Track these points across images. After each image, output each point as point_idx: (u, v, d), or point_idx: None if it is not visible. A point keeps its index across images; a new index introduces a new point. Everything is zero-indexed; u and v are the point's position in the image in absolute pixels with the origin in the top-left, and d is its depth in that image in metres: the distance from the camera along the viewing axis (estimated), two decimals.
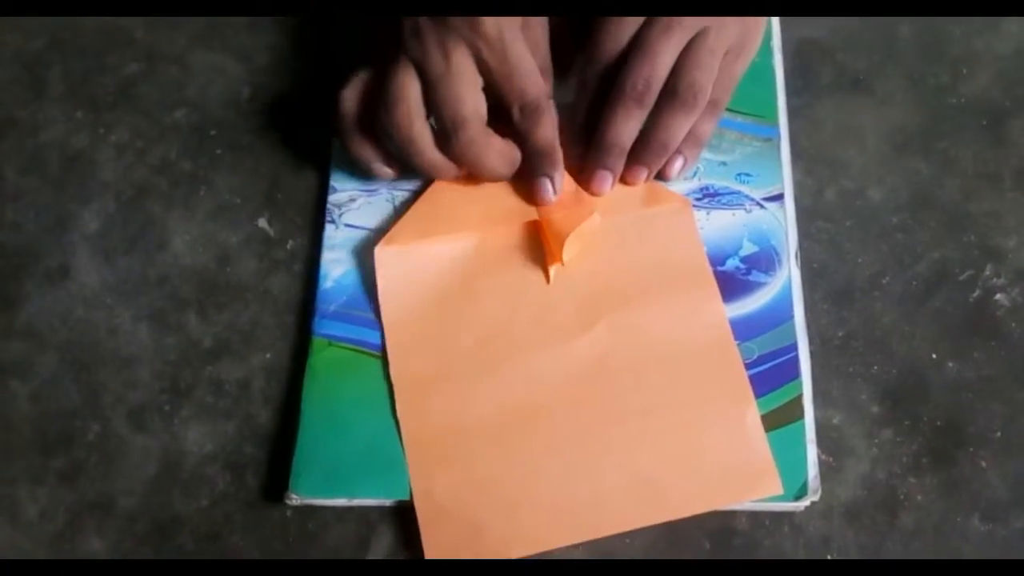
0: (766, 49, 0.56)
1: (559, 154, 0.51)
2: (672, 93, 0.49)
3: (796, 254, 0.51)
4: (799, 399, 0.48)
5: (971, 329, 0.51)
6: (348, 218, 0.54)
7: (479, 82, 0.50)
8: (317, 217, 0.55)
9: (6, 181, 0.57)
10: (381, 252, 0.52)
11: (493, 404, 0.49)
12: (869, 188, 0.54)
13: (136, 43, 0.61)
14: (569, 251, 0.51)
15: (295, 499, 0.48)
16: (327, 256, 0.53)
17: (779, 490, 0.46)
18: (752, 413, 0.47)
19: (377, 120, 0.51)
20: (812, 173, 0.54)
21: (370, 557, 0.48)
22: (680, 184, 0.53)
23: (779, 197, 0.52)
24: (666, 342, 0.49)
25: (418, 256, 0.52)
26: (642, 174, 0.52)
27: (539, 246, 0.52)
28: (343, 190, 0.55)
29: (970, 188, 0.54)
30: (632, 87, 0.49)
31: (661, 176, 0.53)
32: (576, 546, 0.47)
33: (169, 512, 0.49)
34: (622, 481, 0.47)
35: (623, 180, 0.53)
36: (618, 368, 0.49)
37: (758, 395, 0.48)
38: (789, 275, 0.51)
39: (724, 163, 0.53)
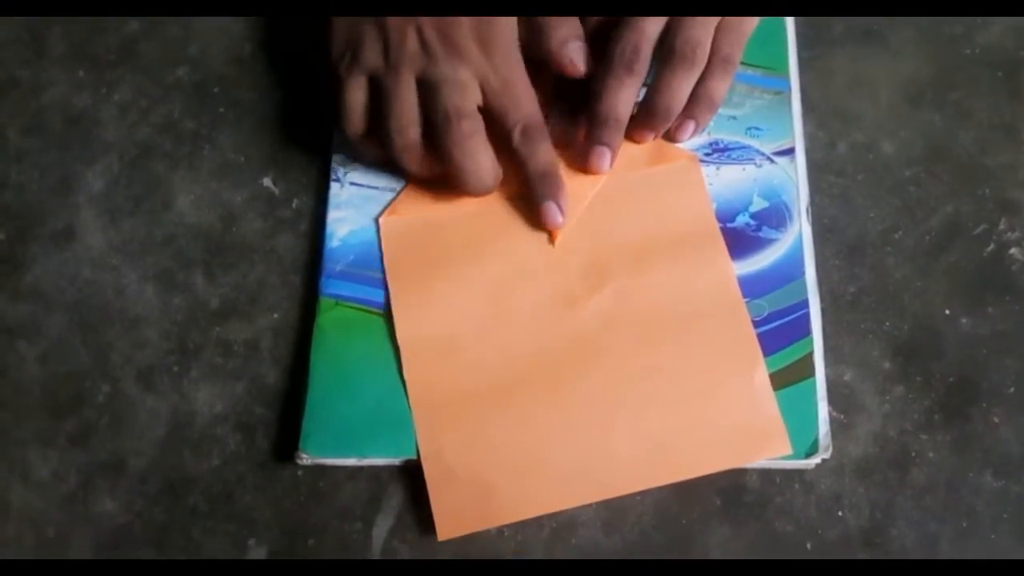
0: None
1: (561, 176, 0.51)
2: (670, 52, 0.49)
3: (807, 209, 0.51)
4: (809, 357, 0.47)
5: (985, 284, 0.50)
6: (353, 176, 0.53)
7: (479, 99, 0.49)
8: (322, 175, 0.54)
9: (9, 142, 0.57)
10: (385, 223, 0.52)
11: (501, 367, 0.48)
12: (881, 141, 0.53)
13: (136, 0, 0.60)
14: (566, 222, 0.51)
15: (305, 458, 0.48)
16: (333, 215, 0.53)
17: (787, 450, 0.46)
18: (761, 373, 0.47)
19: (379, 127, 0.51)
20: (824, 126, 0.54)
21: (380, 516, 0.48)
22: (690, 140, 0.52)
23: (790, 151, 0.52)
24: (674, 302, 0.49)
25: (422, 225, 0.52)
26: (648, 136, 0.52)
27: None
28: (347, 148, 0.54)
29: (985, 140, 0.53)
30: (621, 55, 0.49)
31: (670, 139, 0.52)
32: (587, 504, 0.47)
33: (180, 472, 0.49)
34: (631, 442, 0.47)
35: (629, 138, 0.52)
36: (626, 329, 0.49)
37: (768, 353, 0.48)
38: (800, 231, 0.50)
39: (734, 117, 0.53)
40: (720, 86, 0.50)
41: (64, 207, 0.55)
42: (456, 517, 0.46)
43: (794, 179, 0.51)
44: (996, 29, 0.55)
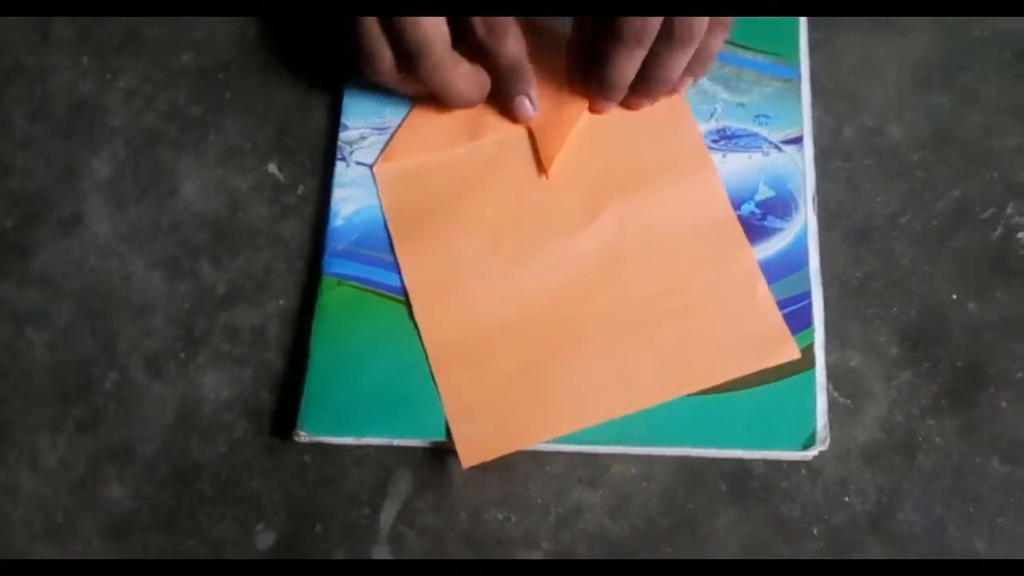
0: None
1: (530, 69, 0.51)
2: (668, 32, 0.48)
3: (813, 199, 0.50)
4: (810, 348, 0.47)
5: (993, 268, 0.50)
6: (359, 156, 0.53)
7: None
8: (327, 161, 0.54)
9: (15, 128, 0.57)
10: (380, 170, 0.53)
11: (509, 301, 0.49)
12: (889, 125, 0.53)
13: None
14: (556, 152, 0.52)
15: (303, 436, 0.48)
16: (337, 194, 0.53)
17: (796, 355, 0.47)
18: (761, 286, 0.48)
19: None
20: (830, 110, 0.53)
21: (388, 502, 0.48)
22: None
23: (798, 140, 0.51)
24: (671, 225, 0.50)
25: (417, 169, 0.52)
26: (644, 103, 0.52)
27: (534, 144, 0.52)
28: (354, 128, 0.54)
29: (993, 123, 0.53)
30: (631, 26, 0.48)
31: (668, 93, 0.52)
32: (594, 488, 0.47)
33: (188, 458, 0.50)
34: (644, 359, 0.48)
35: (624, 104, 0.52)
36: (626, 254, 0.50)
37: None
38: (805, 221, 0.50)
39: (742, 104, 0.52)
40: (716, 43, 0.50)
41: (70, 194, 0.55)
42: (478, 445, 0.47)
43: (801, 168, 0.51)
44: None
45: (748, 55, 0.53)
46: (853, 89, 0.54)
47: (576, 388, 0.47)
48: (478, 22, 0.49)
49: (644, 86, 0.50)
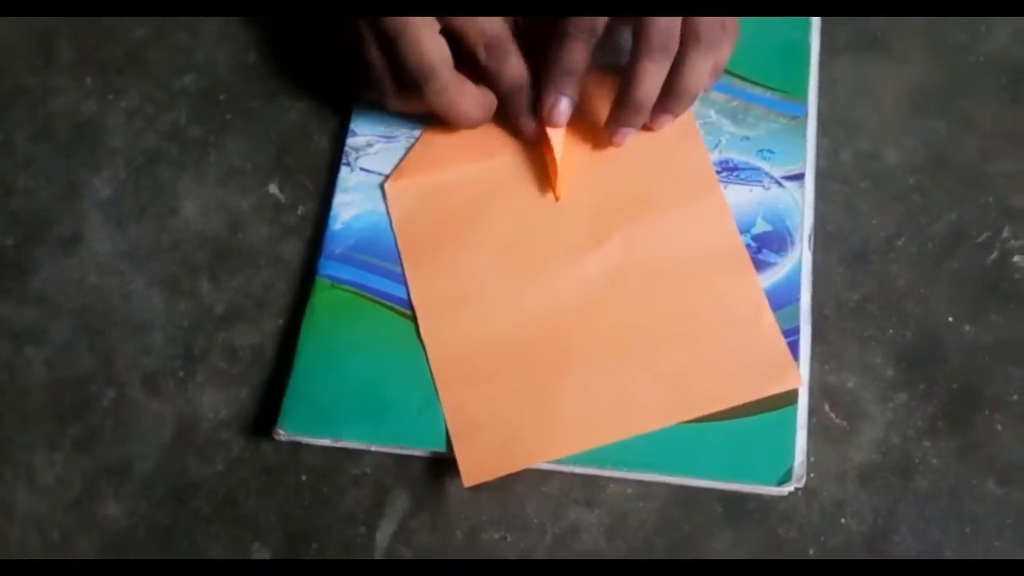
0: (804, 23, 0.55)
1: (531, 87, 0.51)
2: (694, 36, 0.48)
3: (810, 237, 0.50)
4: None
5: (988, 291, 0.50)
6: (364, 162, 0.54)
7: (436, 24, 0.49)
8: (328, 182, 0.54)
9: (17, 148, 0.57)
10: (391, 187, 0.53)
11: (515, 321, 0.49)
12: (885, 149, 0.53)
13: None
14: (567, 175, 0.52)
15: (282, 435, 0.48)
16: (339, 198, 0.53)
17: (797, 383, 0.47)
18: (766, 314, 0.48)
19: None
20: (827, 134, 0.54)
21: (384, 521, 0.48)
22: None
23: (799, 176, 0.52)
24: (678, 250, 0.50)
25: (428, 187, 0.53)
26: (667, 121, 0.52)
27: (545, 166, 0.52)
28: (362, 134, 0.55)
29: (988, 148, 0.53)
30: (658, 37, 0.47)
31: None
32: (591, 508, 0.47)
33: (185, 477, 0.50)
34: (647, 383, 0.48)
35: (647, 128, 0.52)
36: (633, 278, 0.50)
37: None
38: (800, 257, 0.50)
39: (747, 138, 0.53)
40: (728, 52, 0.51)
41: (71, 213, 0.55)
42: (480, 464, 0.47)
43: (800, 205, 0.51)
44: (1001, 37, 0.55)
45: (757, 91, 0.53)
46: (850, 114, 0.54)
47: (579, 410, 0.47)
48: (478, 43, 0.49)
49: (670, 100, 0.50)
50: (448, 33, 0.49)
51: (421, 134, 0.54)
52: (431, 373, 0.49)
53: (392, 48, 0.49)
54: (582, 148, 0.53)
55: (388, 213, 0.52)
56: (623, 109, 0.50)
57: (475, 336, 0.49)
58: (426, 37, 0.48)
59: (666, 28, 0.47)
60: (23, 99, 0.58)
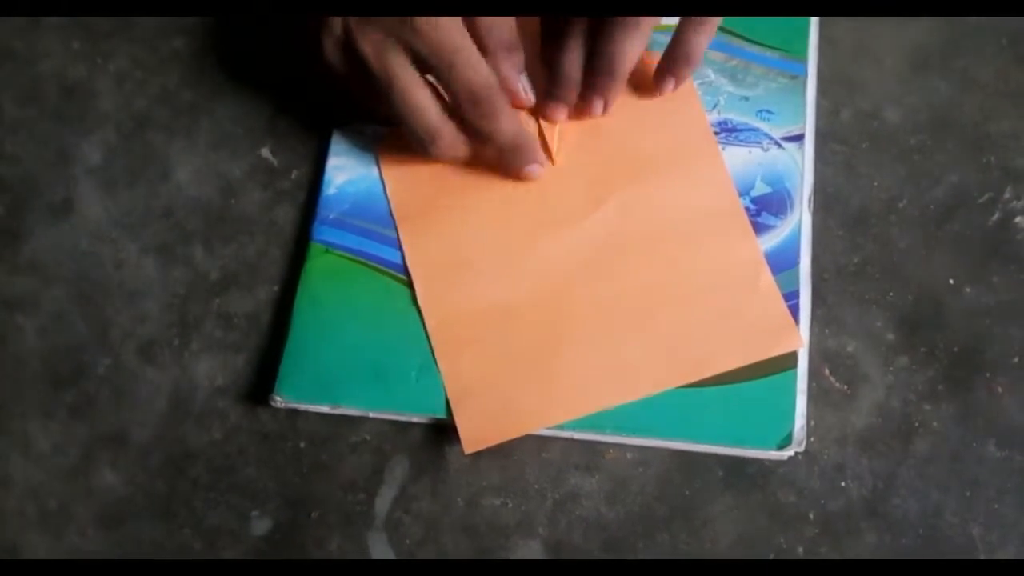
0: None
1: (532, 141, 0.50)
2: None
3: (810, 199, 0.50)
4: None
5: (990, 253, 0.50)
6: (356, 126, 0.53)
7: (421, 82, 0.47)
8: (320, 146, 0.54)
9: (4, 113, 0.56)
10: (384, 153, 0.52)
11: (512, 286, 0.49)
12: (886, 109, 0.53)
13: None
14: (563, 140, 0.52)
15: (279, 402, 0.48)
16: (332, 162, 0.53)
17: (798, 345, 0.47)
18: (765, 275, 0.48)
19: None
20: (827, 94, 0.53)
21: (384, 488, 0.48)
22: None
23: (799, 137, 0.51)
24: (675, 213, 0.50)
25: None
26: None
27: (540, 131, 0.52)
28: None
29: (990, 108, 0.52)
30: None
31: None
32: (591, 474, 0.47)
33: (182, 445, 0.49)
34: (646, 347, 0.47)
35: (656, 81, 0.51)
36: (631, 242, 0.50)
37: None
38: (800, 220, 0.49)
39: (746, 98, 0.52)
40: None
41: (61, 179, 0.54)
42: (480, 430, 0.47)
43: (800, 166, 0.50)
44: None
45: (757, 50, 0.53)
46: (850, 73, 0.53)
47: (579, 374, 0.47)
48: (463, 99, 0.47)
49: (677, 65, 0.50)
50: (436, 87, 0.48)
51: None
52: (428, 339, 0.48)
53: (385, 106, 0.48)
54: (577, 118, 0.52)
55: (382, 179, 0.52)
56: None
57: (472, 301, 0.49)
58: (417, 98, 0.47)
59: None
60: (10, 62, 0.57)
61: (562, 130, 0.51)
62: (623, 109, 0.52)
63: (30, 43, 0.57)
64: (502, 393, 0.47)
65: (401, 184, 0.52)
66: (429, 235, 0.51)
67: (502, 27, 0.49)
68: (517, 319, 0.49)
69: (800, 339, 0.47)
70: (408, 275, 0.50)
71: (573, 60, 0.49)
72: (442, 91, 0.48)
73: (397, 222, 0.51)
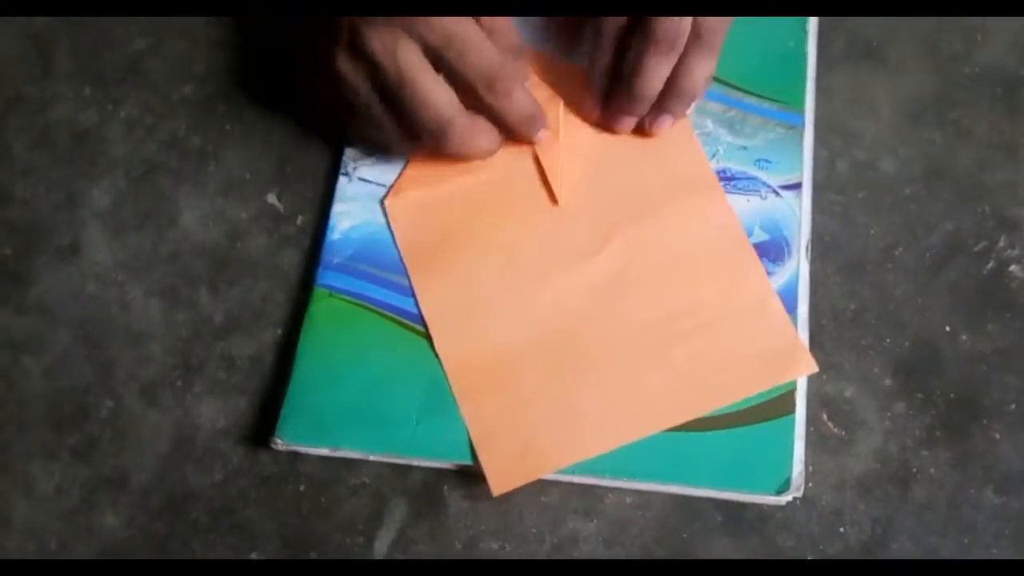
0: (801, 33, 0.55)
1: (540, 111, 0.51)
2: (697, 36, 0.48)
3: (807, 247, 0.51)
4: (791, 394, 0.47)
5: (985, 301, 0.50)
6: (362, 172, 0.54)
7: (434, 73, 0.48)
8: (327, 192, 0.54)
9: (15, 158, 0.57)
10: (391, 203, 0.53)
11: (525, 328, 0.50)
12: (882, 159, 0.54)
13: (143, 18, 0.60)
14: (564, 180, 0.52)
15: (280, 444, 0.48)
16: (337, 208, 0.53)
17: (813, 368, 0.48)
18: (774, 302, 0.49)
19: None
20: (824, 144, 0.54)
21: (383, 531, 0.48)
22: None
23: (797, 186, 0.52)
24: (682, 246, 0.51)
25: (427, 200, 0.53)
26: (667, 123, 0.52)
27: (543, 172, 0.53)
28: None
29: (984, 158, 0.53)
30: (664, 32, 0.47)
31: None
32: (589, 518, 0.47)
33: (183, 487, 0.50)
34: (663, 380, 0.48)
35: (647, 132, 0.52)
36: (639, 278, 0.50)
37: None
38: (798, 267, 0.50)
39: (744, 147, 0.53)
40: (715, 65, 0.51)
41: (70, 222, 0.55)
42: (506, 472, 0.47)
43: (798, 215, 0.51)
44: (996, 47, 0.56)
45: (754, 101, 0.54)
46: (847, 123, 0.54)
47: (599, 410, 0.48)
48: (479, 84, 0.48)
49: (671, 99, 0.50)
50: (448, 77, 0.49)
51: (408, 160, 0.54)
52: (448, 384, 0.49)
53: (398, 102, 0.48)
54: (579, 152, 0.53)
55: (390, 229, 0.52)
56: (626, 100, 0.51)
57: (488, 344, 0.49)
58: (429, 88, 0.48)
59: (675, 23, 0.47)
60: (22, 108, 0.58)
61: (564, 169, 0.52)
62: (623, 148, 0.53)
63: (42, 89, 0.59)
64: (525, 433, 0.47)
65: (410, 233, 0.52)
66: (441, 282, 0.51)
67: (505, 32, 0.50)
68: (533, 359, 0.49)
69: (813, 362, 0.47)
70: (423, 322, 0.50)
71: (654, 82, 0.50)
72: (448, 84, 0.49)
73: (409, 270, 0.51)
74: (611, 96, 0.52)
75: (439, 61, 0.48)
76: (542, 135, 0.52)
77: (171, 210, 0.55)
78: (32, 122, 0.58)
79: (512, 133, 0.51)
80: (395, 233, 0.52)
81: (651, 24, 0.48)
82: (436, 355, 0.49)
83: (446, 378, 0.49)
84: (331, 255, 0.52)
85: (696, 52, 0.49)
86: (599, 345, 0.49)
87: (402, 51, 0.47)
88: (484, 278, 0.51)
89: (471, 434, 0.48)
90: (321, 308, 0.51)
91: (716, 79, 0.53)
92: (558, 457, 0.47)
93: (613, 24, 0.50)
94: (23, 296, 0.54)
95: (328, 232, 0.53)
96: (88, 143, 0.57)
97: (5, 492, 0.50)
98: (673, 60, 0.49)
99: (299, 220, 0.54)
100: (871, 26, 0.57)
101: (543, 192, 0.52)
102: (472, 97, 0.49)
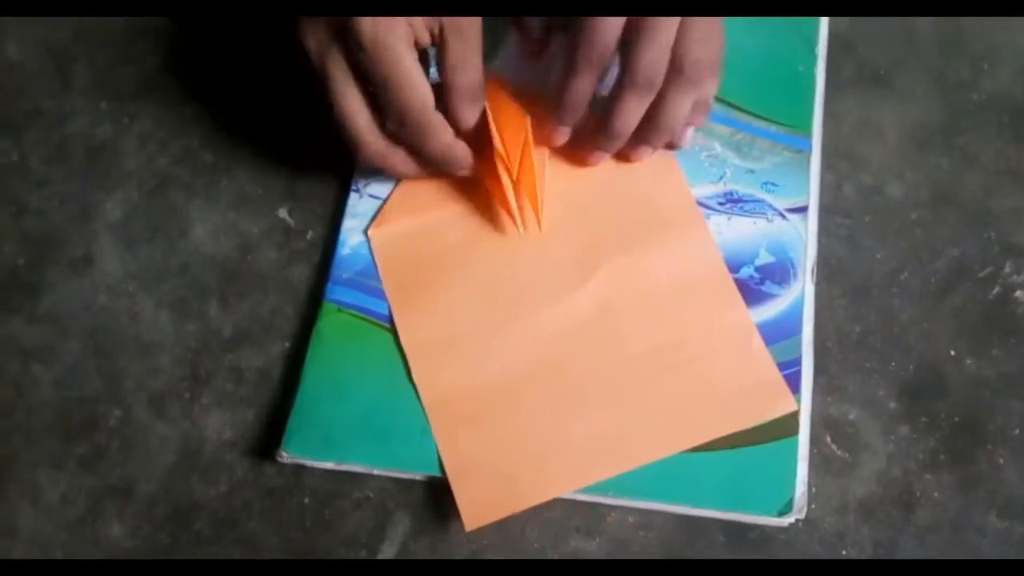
0: (810, 57, 0.55)
1: (461, 150, 0.50)
2: (678, 72, 0.47)
3: (812, 270, 0.51)
4: (795, 415, 0.47)
5: (990, 326, 0.50)
6: (372, 189, 0.55)
7: (357, 93, 0.48)
8: (337, 208, 0.55)
9: (32, 170, 0.58)
10: (375, 234, 0.53)
11: (506, 361, 0.50)
12: (888, 183, 0.54)
13: (159, 34, 0.61)
14: (547, 209, 0.52)
15: (285, 457, 0.49)
16: (347, 224, 0.54)
17: (792, 407, 0.47)
18: (756, 340, 0.49)
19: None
20: (832, 168, 0.54)
21: (386, 545, 0.48)
22: (704, 187, 0.53)
23: (803, 209, 0.52)
24: (664, 281, 0.51)
25: (410, 232, 0.53)
26: (646, 153, 0.52)
27: (525, 202, 0.52)
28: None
29: (991, 185, 0.53)
30: (642, 72, 0.47)
31: (670, 146, 0.53)
32: (592, 537, 0.47)
33: (188, 498, 0.50)
34: (642, 416, 0.48)
35: (627, 159, 0.52)
36: (621, 311, 0.50)
37: None
38: (803, 290, 0.50)
39: (752, 171, 0.53)
40: (712, 89, 0.50)
41: (83, 234, 0.56)
42: (480, 507, 0.47)
43: (803, 238, 0.51)
44: (1003, 75, 0.56)
45: (762, 124, 0.54)
46: (854, 148, 0.55)
47: (576, 446, 0.47)
48: (395, 119, 0.48)
49: (649, 133, 0.50)
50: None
51: (399, 182, 0.54)
52: (425, 416, 0.49)
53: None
54: (562, 181, 0.53)
55: (373, 259, 0.53)
56: (602, 136, 0.51)
57: (467, 378, 0.49)
58: (348, 102, 0.48)
59: (652, 63, 0.47)
60: (39, 121, 0.59)
61: (546, 198, 0.52)
62: (606, 179, 0.53)
63: (59, 103, 0.59)
64: (501, 468, 0.47)
65: (392, 264, 0.52)
66: (422, 313, 0.51)
67: (470, 70, 0.49)
68: (512, 394, 0.49)
69: (793, 401, 0.47)
70: (403, 355, 0.50)
71: (630, 122, 0.49)
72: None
73: (390, 302, 0.51)
74: (585, 131, 0.51)
75: (366, 80, 0.48)
76: (463, 174, 0.52)
77: (183, 223, 0.56)
78: (49, 135, 0.59)
79: (432, 167, 0.51)
80: (377, 263, 0.52)
81: (629, 65, 0.47)
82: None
83: (425, 412, 0.49)
84: (341, 270, 0.53)
85: (676, 88, 0.48)
86: (581, 379, 0.49)
87: (330, 58, 0.47)
88: (465, 310, 0.51)
89: (446, 467, 0.47)
90: (329, 323, 0.51)
91: (725, 102, 0.54)
92: (534, 492, 0.47)
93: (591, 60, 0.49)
94: (35, 306, 0.54)
95: (338, 247, 0.53)
96: (103, 157, 0.58)
97: (11, 501, 0.50)
98: (650, 99, 0.48)
99: (309, 235, 0.55)
100: (880, 52, 0.57)
101: (527, 224, 0.52)
102: (389, 125, 0.49)
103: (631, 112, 0.49)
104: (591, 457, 0.47)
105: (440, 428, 0.48)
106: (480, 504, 0.47)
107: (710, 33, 0.48)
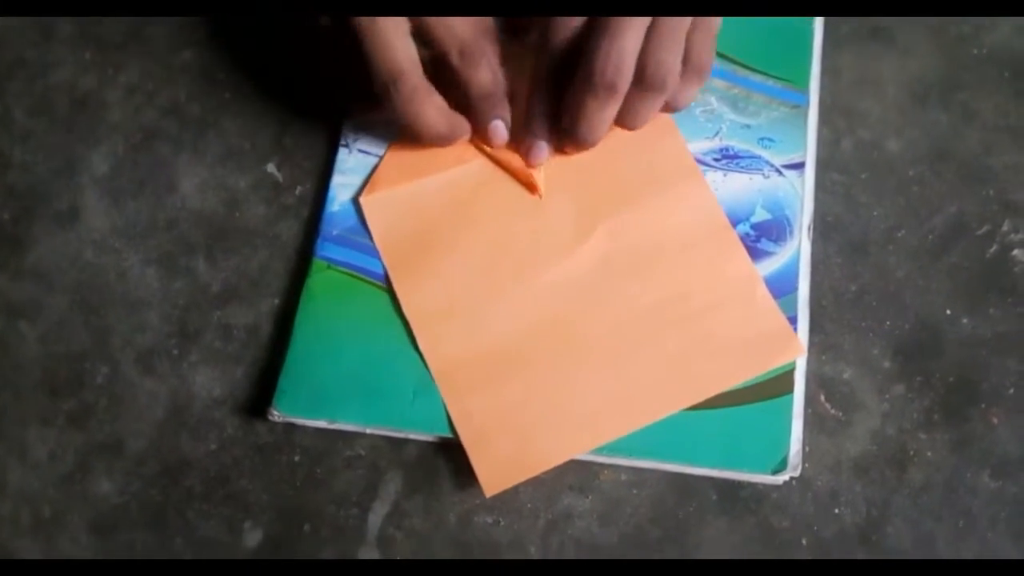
0: None
1: (503, 96, 0.50)
2: (640, 78, 0.45)
3: (809, 227, 0.50)
4: (791, 373, 0.47)
5: (987, 285, 0.50)
6: (362, 144, 0.54)
7: (406, 25, 0.47)
8: (326, 163, 0.54)
9: (15, 123, 0.57)
10: (366, 200, 0.52)
11: (510, 323, 0.49)
12: (886, 139, 0.53)
13: None
14: (545, 171, 0.51)
15: (277, 416, 0.48)
16: (337, 180, 0.53)
17: (802, 352, 0.47)
18: (760, 288, 0.49)
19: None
20: (828, 123, 0.53)
21: (377, 503, 0.48)
22: (700, 143, 0.52)
23: (800, 165, 0.51)
24: (664, 236, 0.50)
25: (404, 196, 0.52)
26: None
27: (522, 167, 0.51)
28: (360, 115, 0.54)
29: (990, 141, 0.53)
30: (602, 75, 0.45)
31: (670, 108, 0.50)
32: (584, 495, 0.47)
33: (177, 455, 0.50)
34: (651, 371, 0.47)
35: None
36: (624, 268, 0.50)
37: None
38: (799, 247, 0.50)
39: (748, 126, 0.52)
40: (691, 96, 0.48)
41: (68, 188, 0.55)
42: (498, 472, 0.46)
43: (800, 194, 0.51)
44: (1004, 29, 0.55)
45: (759, 79, 0.53)
46: (852, 104, 0.54)
47: (588, 405, 0.47)
48: (451, 48, 0.48)
49: (623, 125, 0.49)
50: (420, 37, 0.48)
51: (389, 145, 0.53)
52: (433, 382, 0.48)
53: (359, 49, 0.47)
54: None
55: (367, 227, 0.52)
56: (567, 139, 0.49)
57: (473, 343, 0.49)
58: (395, 38, 0.47)
59: (613, 67, 0.45)
60: (22, 72, 0.58)
61: (545, 163, 0.51)
62: (603, 141, 0.51)
63: (42, 53, 0.58)
64: (515, 433, 0.47)
65: (388, 231, 0.52)
66: (422, 283, 0.50)
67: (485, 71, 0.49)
68: (520, 357, 0.48)
69: (801, 346, 0.47)
70: (406, 322, 0.49)
71: (598, 128, 0.48)
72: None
73: (388, 270, 0.51)
74: (555, 131, 0.50)
75: (418, 25, 0.47)
76: (497, 129, 0.50)
77: (170, 178, 0.55)
78: (32, 86, 0.57)
79: (474, 108, 0.50)
80: (372, 232, 0.51)
81: (588, 64, 0.45)
82: (420, 354, 0.49)
83: (432, 377, 0.48)
84: (330, 227, 0.52)
85: (638, 93, 0.46)
86: (587, 337, 0.48)
87: (386, 40, 0.47)
88: (466, 275, 0.50)
89: (461, 436, 0.47)
90: (319, 280, 0.51)
91: (722, 55, 0.52)
92: (551, 454, 0.47)
93: (549, 65, 0.48)
94: (20, 261, 0.54)
95: (327, 203, 0.52)
96: (88, 108, 0.57)
97: (0, 458, 0.50)
98: (617, 102, 0.46)
99: (298, 190, 0.54)
100: (874, 16, 0.56)
101: (523, 186, 0.52)
102: (442, 71, 0.48)
103: (596, 117, 0.47)
104: (603, 416, 0.47)
105: (451, 396, 0.48)
106: (498, 469, 0.46)
107: (679, 36, 0.46)
